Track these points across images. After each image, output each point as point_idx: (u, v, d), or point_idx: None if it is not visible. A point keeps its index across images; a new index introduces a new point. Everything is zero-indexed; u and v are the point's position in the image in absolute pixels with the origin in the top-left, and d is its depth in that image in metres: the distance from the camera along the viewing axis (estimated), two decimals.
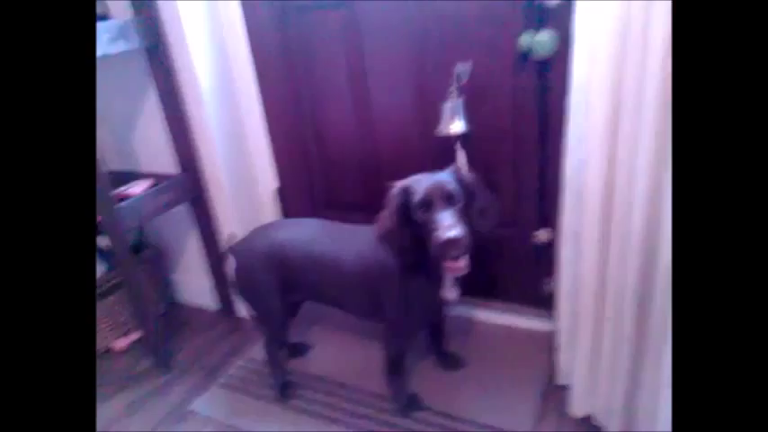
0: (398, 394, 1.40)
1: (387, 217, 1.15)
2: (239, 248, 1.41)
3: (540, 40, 1.21)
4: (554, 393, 1.39)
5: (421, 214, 1.09)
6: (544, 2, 1.17)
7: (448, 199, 1.09)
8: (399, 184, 1.15)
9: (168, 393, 1.58)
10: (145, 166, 1.85)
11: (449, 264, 1.11)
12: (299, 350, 1.66)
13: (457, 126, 1.35)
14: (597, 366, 1.18)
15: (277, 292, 1.38)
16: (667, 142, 0.88)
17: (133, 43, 1.50)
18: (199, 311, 1.98)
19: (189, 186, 1.73)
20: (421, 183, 1.12)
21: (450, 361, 1.52)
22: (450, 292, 1.26)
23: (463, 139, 1.41)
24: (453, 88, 1.35)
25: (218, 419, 1.45)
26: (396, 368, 1.40)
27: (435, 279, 1.23)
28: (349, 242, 1.35)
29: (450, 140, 1.41)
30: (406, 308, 1.27)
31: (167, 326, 1.91)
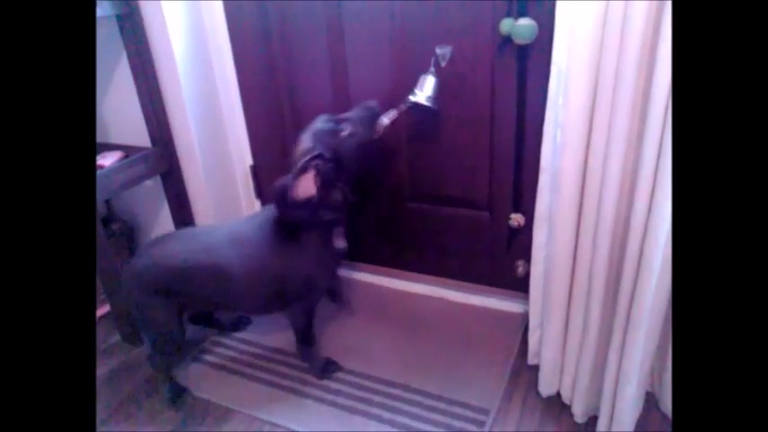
0: (314, 361, 1.48)
1: (308, 183, 1.20)
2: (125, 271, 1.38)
3: (522, 26, 1.23)
4: (524, 372, 1.44)
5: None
6: None
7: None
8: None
9: (139, 367, 1.57)
10: (115, 138, 1.80)
11: None
12: (240, 324, 1.68)
13: (419, 97, 1.35)
14: (566, 347, 1.23)
15: (163, 308, 1.32)
16: (642, 128, 0.91)
17: (104, 10, 1.46)
18: None
19: (160, 160, 1.70)
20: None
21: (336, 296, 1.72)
22: (340, 242, 1.35)
23: (436, 117, 1.43)
24: (432, 69, 1.36)
25: (191, 393, 1.45)
26: (308, 338, 1.47)
27: (327, 236, 1.33)
28: (231, 245, 1.33)
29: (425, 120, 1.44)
30: (312, 274, 1.35)
31: None
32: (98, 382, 1.52)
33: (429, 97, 1.35)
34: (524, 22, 1.23)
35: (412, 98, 1.35)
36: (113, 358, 1.61)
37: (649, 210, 0.95)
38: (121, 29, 1.54)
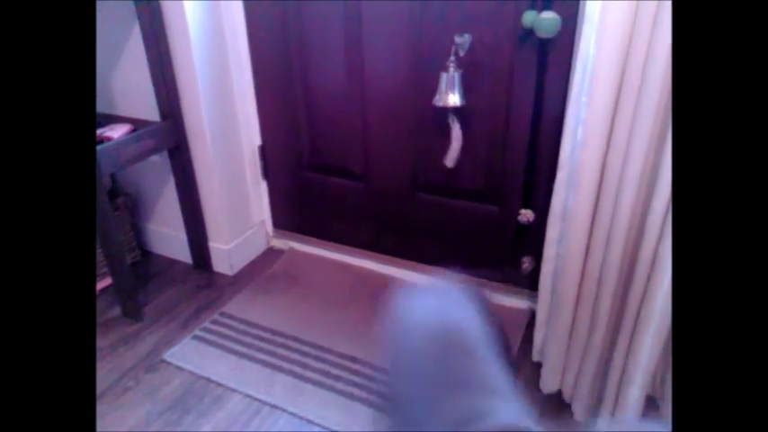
0: None
1: None
2: None
3: (545, 19, 1.21)
4: (525, 368, 1.43)
5: None
6: None
7: None
8: None
9: (138, 343, 1.56)
10: (123, 110, 1.78)
11: None
12: None
13: (453, 99, 1.35)
14: (571, 345, 1.22)
15: None
16: (666, 127, 0.90)
17: None
18: (173, 263, 1.95)
19: (169, 135, 1.67)
20: None
21: None
22: None
23: (456, 111, 1.42)
24: (452, 60, 1.34)
25: (190, 370, 1.45)
26: None
27: None
28: None
29: (441, 111, 1.42)
30: None
31: (140, 275, 1.87)
32: (96, 355, 1.52)
33: (461, 96, 1.36)
34: (548, 15, 1.21)
35: (450, 102, 1.35)
36: (113, 332, 1.61)
37: (667, 211, 0.94)
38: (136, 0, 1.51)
